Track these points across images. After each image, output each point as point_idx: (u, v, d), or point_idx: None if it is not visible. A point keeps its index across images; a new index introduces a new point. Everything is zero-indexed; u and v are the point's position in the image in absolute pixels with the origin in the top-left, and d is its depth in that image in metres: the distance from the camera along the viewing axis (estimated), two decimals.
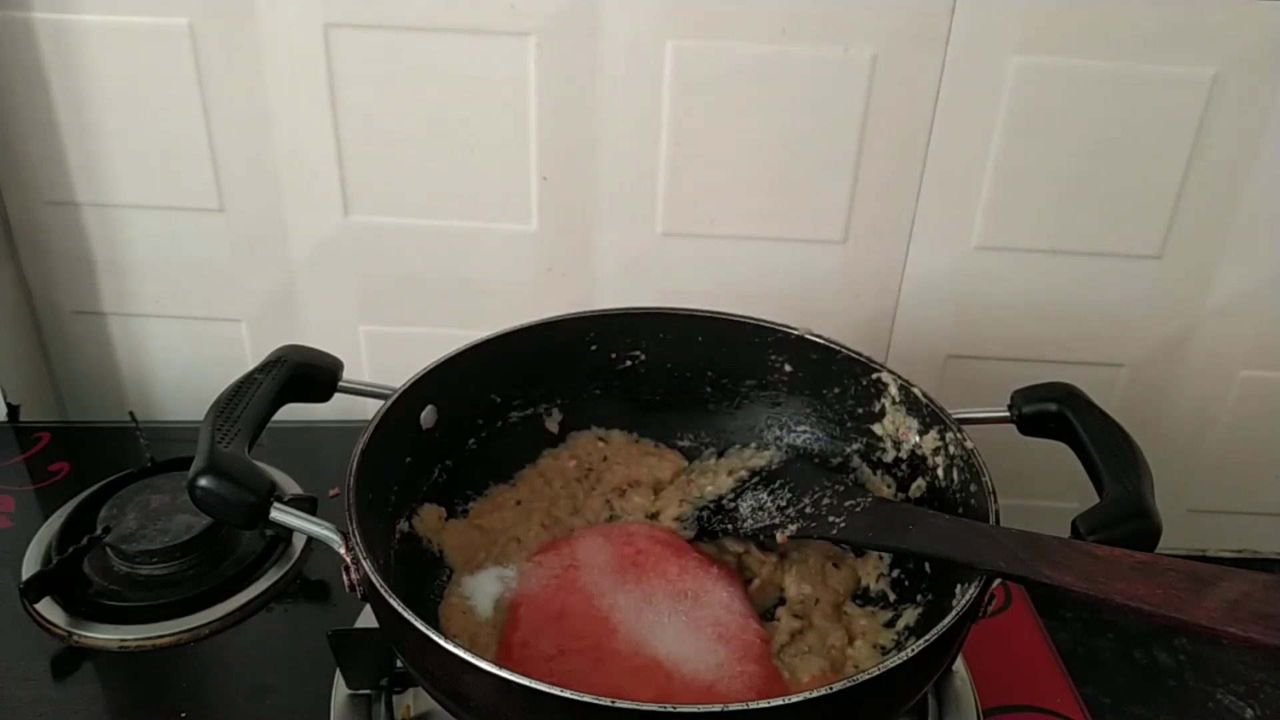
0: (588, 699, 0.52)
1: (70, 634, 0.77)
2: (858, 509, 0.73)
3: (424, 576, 0.75)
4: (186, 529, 0.82)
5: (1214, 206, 0.93)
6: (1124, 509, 0.64)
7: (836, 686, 0.53)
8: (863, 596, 0.76)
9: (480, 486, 0.82)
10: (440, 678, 0.58)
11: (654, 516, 0.81)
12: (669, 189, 0.95)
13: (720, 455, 0.86)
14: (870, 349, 0.80)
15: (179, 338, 1.06)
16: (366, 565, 0.60)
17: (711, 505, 0.80)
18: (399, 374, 0.75)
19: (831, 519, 0.74)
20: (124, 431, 0.95)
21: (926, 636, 0.57)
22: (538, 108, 0.91)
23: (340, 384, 0.75)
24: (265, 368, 0.72)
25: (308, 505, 0.83)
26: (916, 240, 0.96)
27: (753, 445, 0.86)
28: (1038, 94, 0.89)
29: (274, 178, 0.96)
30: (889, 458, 0.79)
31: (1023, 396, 0.74)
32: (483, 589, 0.74)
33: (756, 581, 0.77)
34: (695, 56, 0.89)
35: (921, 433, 0.76)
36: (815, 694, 0.53)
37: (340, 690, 0.72)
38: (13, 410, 1.01)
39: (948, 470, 0.73)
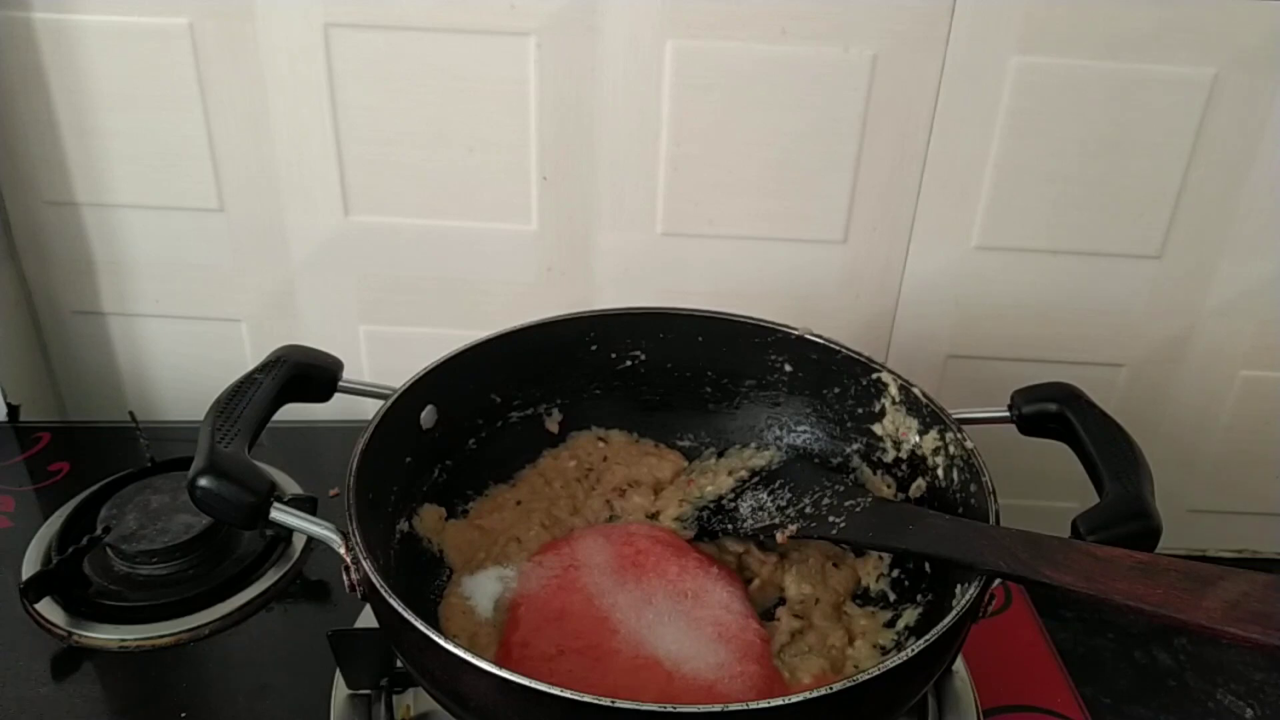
0: (588, 699, 0.52)
1: (70, 634, 0.77)
2: (858, 509, 0.74)
3: (424, 576, 0.75)
4: (186, 529, 0.82)
5: (1214, 206, 0.93)
6: (1124, 509, 0.64)
7: (836, 686, 0.53)
8: (863, 596, 0.76)
9: (480, 486, 0.82)
10: (440, 678, 0.58)
11: (654, 516, 0.81)
12: (669, 189, 0.95)
13: (720, 455, 0.86)
14: (870, 349, 0.80)
15: (179, 338, 1.06)
16: (366, 565, 0.60)
17: (711, 505, 0.80)
18: (399, 374, 0.75)
19: (831, 519, 0.74)
20: (124, 431, 0.95)
21: (926, 636, 0.57)
22: (538, 108, 0.91)
23: (340, 384, 0.75)
24: (265, 368, 0.72)
25: (308, 505, 0.83)
26: (916, 240, 0.96)
27: (753, 445, 0.86)
28: (1038, 94, 0.89)
29: (274, 178, 0.96)
30: (889, 458, 0.79)
31: (1023, 396, 0.74)
32: (483, 589, 0.74)
33: (756, 581, 0.77)
34: (695, 56, 0.89)
35: (921, 433, 0.76)
36: (815, 694, 0.53)
37: (340, 690, 0.72)
38: (13, 410, 1.01)
39: (948, 470, 0.73)
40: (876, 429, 0.80)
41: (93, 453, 0.96)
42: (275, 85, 0.92)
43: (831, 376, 0.81)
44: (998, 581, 0.61)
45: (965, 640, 0.64)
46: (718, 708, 0.51)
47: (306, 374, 0.74)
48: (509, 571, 0.75)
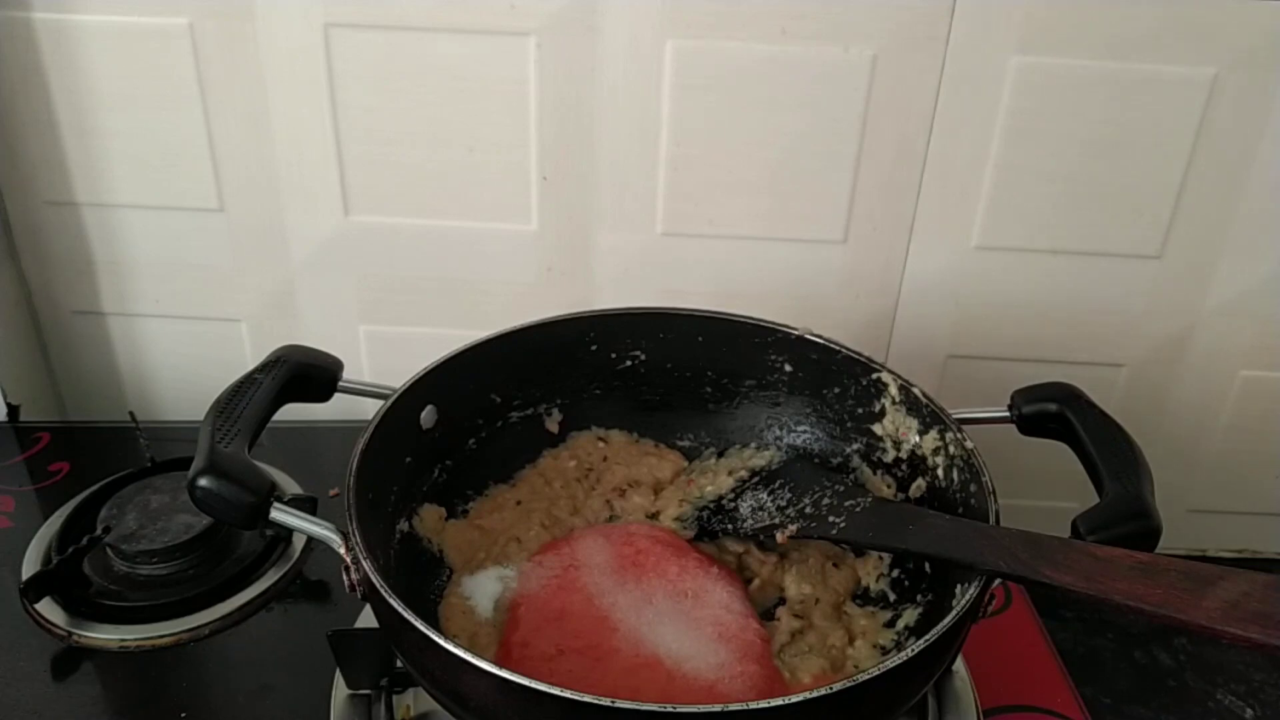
0: (588, 699, 0.52)
1: (70, 634, 0.77)
2: (858, 509, 0.74)
3: (424, 576, 0.75)
4: (186, 529, 0.82)
5: (1214, 206, 0.93)
6: (1124, 509, 0.64)
7: (837, 686, 0.53)
8: (863, 596, 0.76)
9: (480, 486, 0.82)
10: (440, 678, 0.58)
11: (654, 516, 0.81)
12: (669, 189, 0.95)
13: (720, 455, 0.86)
14: (870, 349, 0.80)
15: (179, 338, 1.06)
16: (366, 565, 0.60)
17: (711, 505, 0.80)
18: (399, 374, 0.75)
19: (831, 519, 0.74)
20: (124, 431, 0.95)
21: (926, 636, 0.57)
22: (538, 108, 0.91)
23: (340, 384, 0.75)
24: (265, 368, 0.72)
25: (308, 505, 0.83)
26: (916, 240, 0.96)
27: (753, 445, 0.86)
28: (1038, 94, 0.89)
29: (274, 178, 0.96)
30: (889, 458, 0.79)
31: (1023, 396, 0.74)
32: (483, 589, 0.74)
33: (756, 581, 0.77)
34: (695, 56, 0.89)
35: (921, 433, 0.76)
36: (815, 694, 0.53)
37: (340, 690, 0.72)
38: (13, 410, 1.01)
39: (948, 470, 0.73)
40: (876, 429, 0.80)
41: (93, 453, 0.96)
42: (275, 85, 0.92)
43: (831, 376, 0.81)
44: (998, 581, 0.61)
45: (965, 640, 0.64)
46: (718, 708, 0.51)
47: (306, 374, 0.74)
48: (509, 571, 0.75)
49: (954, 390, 1.02)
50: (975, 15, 0.86)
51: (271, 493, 0.63)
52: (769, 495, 0.80)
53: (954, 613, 0.59)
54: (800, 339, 0.82)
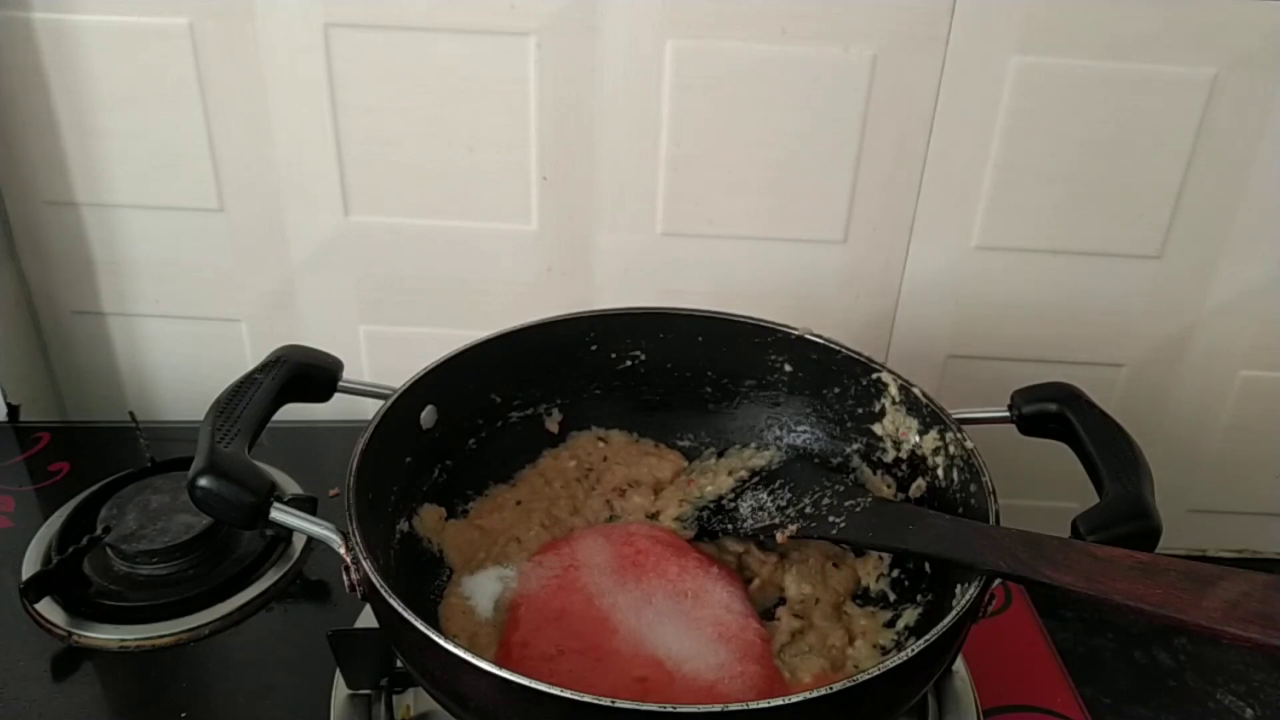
0: (588, 699, 0.52)
1: (70, 634, 0.77)
2: (858, 509, 0.74)
3: (424, 576, 0.75)
4: (186, 529, 0.82)
5: (1214, 206, 0.93)
6: (1124, 509, 0.64)
7: (837, 686, 0.53)
8: (863, 596, 0.76)
9: (480, 486, 0.82)
10: (440, 678, 0.58)
11: (654, 516, 0.81)
12: (669, 189, 0.95)
13: (720, 455, 0.86)
14: (870, 349, 0.80)
15: (179, 338, 1.06)
16: (366, 565, 0.60)
17: (711, 505, 0.80)
18: (399, 374, 0.75)
19: (831, 519, 0.74)
20: (124, 431, 0.95)
21: (926, 636, 0.57)
22: (538, 108, 0.91)
23: (340, 384, 0.75)
24: (265, 368, 0.72)
25: (308, 505, 0.83)
26: (916, 240, 0.96)
27: (753, 445, 0.86)
28: (1038, 94, 0.89)
29: (274, 178, 0.96)
30: (889, 458, 0.79)
31: (1023, 396, 0.74)
32: (483, 589, 0.74)
33: (756, 581, 0.77)
34: (695, 56, 0.89)
35: (921, 433, 0.76)
36: (815, 694, 0.53)
37: (340, 690, 0.72)
38: (13, 410, 1.01)
39: (948, 470, 0.73)
40: (876, 429, 0.80)
41: (93, 453, 0.96)
42: (275, 85, 0.92)
43: (831, 376, 0.81)
44: (998, 581, 0.61)
45: (965, 640, 0.64)
46: (718, 708, 0.51)
47: (306, 374, 0.74)
48: (509, 571, 0.75)
49: (954, 390, 1.02)
50: (975, 15, 0.86)
51: (271, 493, 0.63)
52: (769, 495, 0.80)
53: (954, 613, 0.59)
54: (800, 339, 0.82)
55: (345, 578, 0.63)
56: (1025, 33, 0.86)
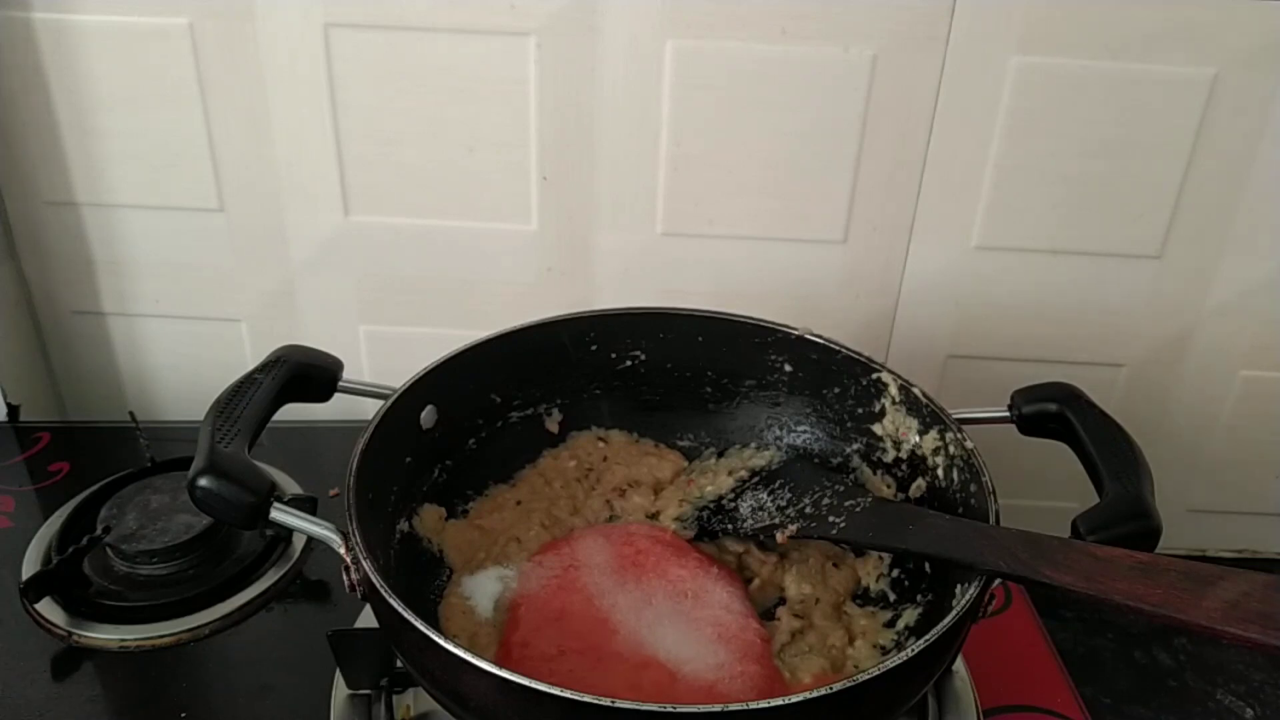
0: (588, 699, 0.52)
1: (70, 634, 0.77)
2: (858, 509, 0.74)
3: (424, 576, 0.75)
4: (186, 529, 0.82)
5: (1214, 206, 0.93)
6: (1124, 509, 0.64)
7: (837, 686, 0.53)
8: (863, 596, 0.76)
9: (480, 486, 0.82)
10: (440, 678, 0.58)
11: (654, 516, 0.81)
12: (669, 189, 0.95)
13: (720, 455, 0.86)
14: (870, 349, 0.80)
15: (179, 338, 1.06)
16: (366, 565, 0.60)
17: (711, 505, 0.80)
18: (399, 374, 0.75)
19: (831, 519, 0.74)
20: (124, 431, 0.95)
21: (926, 636, 0.57)
22: (538, 108, 0.91)
23: (340, 384, 0.75)
24: (265, 368, 0.72)
25: (308, 505, 0.83)
26: (916, 240, 0.96)
27: (753, 445, 0.86)
28: (1038, 94, 0.89)
29: (274, 178, 0.96)
30: (889, 458, 0.79)
31: (1023, 396, 0.74)
32: (483, 589, 0.74)
33: (757, 581, 0.77)
34: (695, 56, 0.89)
35: (921, 433, 0.76)
36: (815, 694, 0.53)
37: (340, 690, 0.72)
38: (13, 410, 1.01)
39: (948, 470, 0.73)
40: (876, 429, 0.80)
41: (93, 453, 0.96)
42: (275, 85, 0.92)
43: (831, 376, 0.81)
44: (998, 581, 0.61)
45: (965, 640, 0.64)
46: (718, 708, 0.51)
47: (306, 374, 0.74)
48: (509, 571, 0.75)
49: (954, 390, 1.02)
50: (975, 15, 0.86)
51: (271, 493, 0.63)
52: (769, 495, 0.79)
53: (954, 613, 0.59)
54: (800, 339, 0.82)
55: (345, 578, 0.63)
56: (1025, 33, 0.86)
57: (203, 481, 0.62)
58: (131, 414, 0.95)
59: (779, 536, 0.75)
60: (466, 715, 0.58)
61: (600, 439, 0.86)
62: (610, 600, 0.71)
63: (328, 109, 0.92)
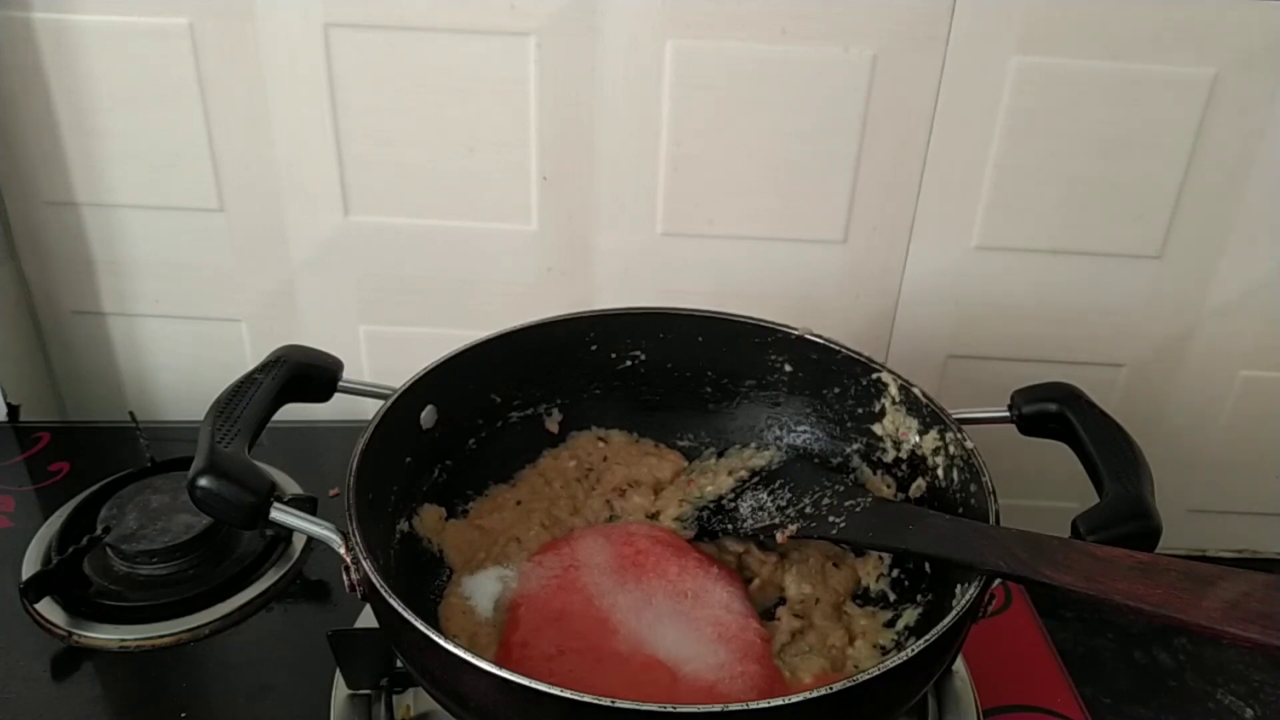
0: (588, 699, 0.52)
1: (70, 634, 0.77)
2: (858, 509, 0.74)
3: (424, 576, 0.75)
4: (186, 529, 0.82)
5: (1214, 206, 0.93)
6: (1124, 509, 0.64)
7: (837, 686, 0.53)
8: (863, 596, 0.76)
9: (480, 486, 0.82)
10: (440, 678, 0.58)
11: (654, 516, 0.81)
12: (669, 189, 0.95)
13: (720, 455, 0.86)
14: (870, 349, 0.80)
15: (179, 338, 1.06)
16: (366, 565, 0.60)
17: (711, 505, 0.80)
18: (399, 374, 0.75)
19: (831, 519, 0.74)
20: (124, 431, 0.95)
21: (926, 636, 0.57)
22: (538, 108, 0.91)
23: (340, 384, 0.75)
24: (265, 368, 0.72)
25: (308, 505, 0.83)
26: (916, 240, 0.96)
27: (753, 445, 0.86)
28: (1038, 94, 0.89)
29: (274, 178, 0.96)
30: (889, 458, 0.79)
31: (1023, 396, 0.74)
32: (483, 589, 0.74)
33: (757, 581, 0.77)
34: (695, 56, 0.89)
35: (921, 433, 0.76)
36: (815, 694, 0.53)
37: (340, 690, 0.72)
38: (13, 410, 1.01)
39: (948, 470, 0.73)
40: (876, 429, 0.80)
41: (93, 453, 0.96)
42: (275, 85, 0.92)
43: (831, 376, 0.81)
44: (998, 581, 0.61)
45: (965, 640, 0.64)
46: (718, 708, 0.51)
47: (306, 374, 0.74)
48: (509, 571, 0.75)
49: (954, 390, 1.02)
50: (975, 15, 0.86)
51: (271, 493, 0.63)
52: (769, 495, 0.79)
53: (954, 613, 0.59)
54: (800, 339, 0.82)
55: (345, 578, 0.63)
56: (1025, 33, 0.86)
57: (203, 481, 0.62)
58: (131, 414, 0.95)
59: (779, 536, 0.75)
60: (466, 715, 0.58)
61: (600, 439, 0.86)
62: (610, 600, 0.71)
63: (328, 109, 0.92)
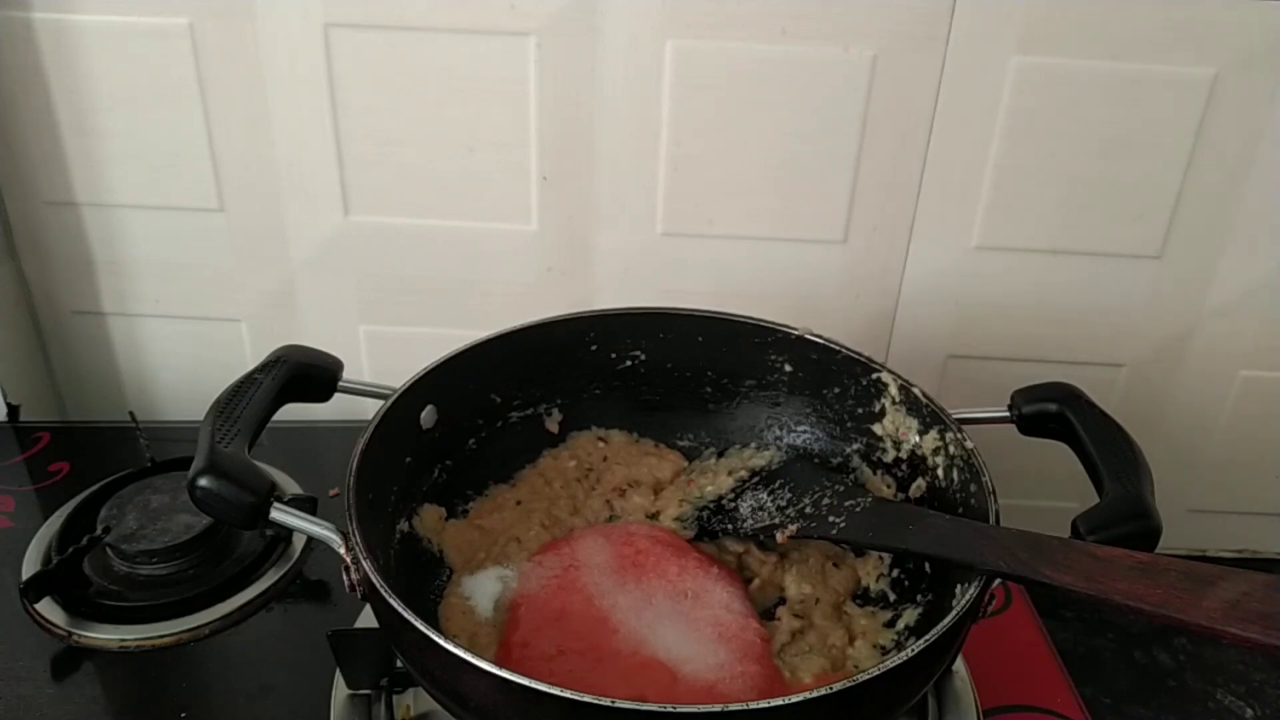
0: (588, 699, 0.52)
1: (70, 634, 0.77)
2: (858, 509, 0.74)
3: (424, 576, 0.75)
4: (186, 529, 0.83)
5: (1214, 206, 0.93)
6: (1124, 509, 0.64)
7: (837, 686, 0.53)
8: (863, 596, 0.76)
9: (480, 486, 0.82)
10: (440, 678, 0.58)
11: (654, 516, 0.81)
12: (669, 189, 0.95)
13: (720, 455, 0.86)
14: (870, 349, 0.80)
15: (179, 338, 1.06)
16: (366, 565, 0.60)
17: (711, 505, 0.80)
18: (399, 374, 0.75)
19: (831, 519, 0.74)
20: (124, 431, 0.95)
21: (926, 636, 0.57)
22: (538, 108, 0.91)
23: (340, 384, 0.75)
24: (265, 368, 0.72)
25: (308, 505, 0.83)
26: (916, 240, 0.96)
27: (753, 445, 0.86)
28: (1038, 94, 0.89)
29: (274, 178, 0.96)
30: (889, 458, 0.79)
31: (1023, 396, 0.74)
32: (483, 589, 0.74)
33: (757, 581, 0.77)
34: (695, 56, 0.89)
35: (921, 433, 0.76)
36: (816, 694, 0.53)
37: (340, 690, 0.72)
38: (13, 410, 1.01)
39: (948, 470, 0.73)
40: (876, 429, 0.80)
41: (93, 453, 0.96)
42: (275, 85, 0.92)
43: (831, 376, 0.81)
44: (998, 581, 0.61)
45: (965, 640, 0.64)
46: (718, 708, 0.51)
47: (306, 374, 0.74)
48: (509, 571, 0.75)
49: (954, 390, 1.02)
50: (975, 15, 0.86)
51: (271, 493, 0.63)
52: (769, 495, 0.80)
53: (954, 613, 0.59)
54: (800, 339, 0.82)
55: (345, 578, 0.63)
56: (1025, 33, 0.86)
57: (203, 481, 0.62)
58: (131, 414, 0.95)
59: (779, 536, 0.75)
60: (466, 715, 0.58)
61: (600, 439, 0.86)
62: (610, 600, 0.71)
63: (328, 109, 0.92)
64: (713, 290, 0.97)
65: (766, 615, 0.74)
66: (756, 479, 0.82)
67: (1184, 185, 0.92)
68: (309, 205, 0.97)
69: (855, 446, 0.82)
